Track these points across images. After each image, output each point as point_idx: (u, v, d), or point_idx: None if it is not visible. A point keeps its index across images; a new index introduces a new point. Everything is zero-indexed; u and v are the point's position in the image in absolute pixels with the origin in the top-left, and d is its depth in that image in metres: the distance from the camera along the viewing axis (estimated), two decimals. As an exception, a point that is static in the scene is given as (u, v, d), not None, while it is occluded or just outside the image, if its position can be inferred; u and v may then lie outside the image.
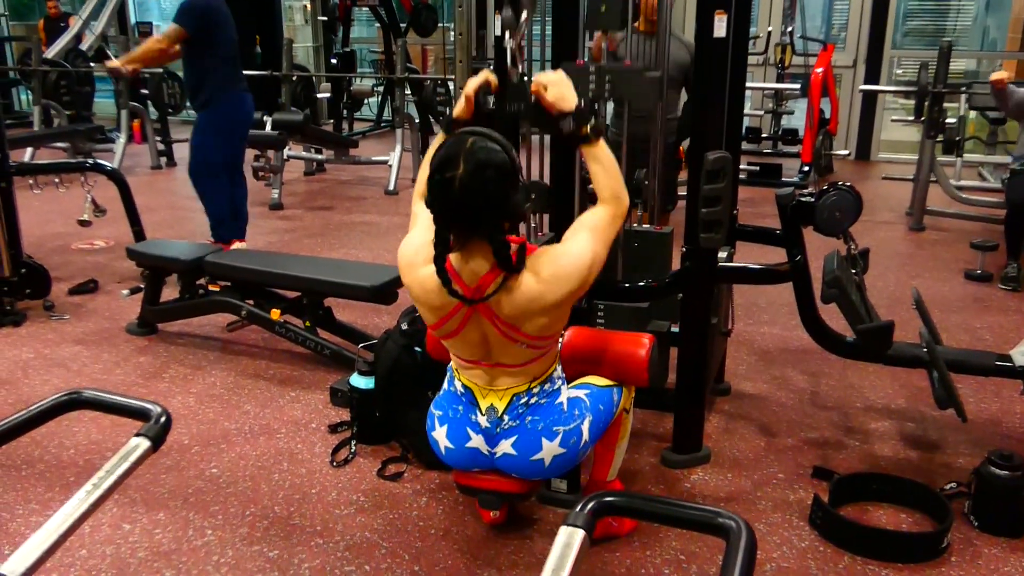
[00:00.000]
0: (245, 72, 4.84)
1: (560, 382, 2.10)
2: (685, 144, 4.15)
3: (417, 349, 2.74)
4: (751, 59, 6.88)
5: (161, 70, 7.87)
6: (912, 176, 5.96)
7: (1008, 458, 2.34)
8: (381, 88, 9.94)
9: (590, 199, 2.17)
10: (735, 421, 3.04)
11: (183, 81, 5.55)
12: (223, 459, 2.78)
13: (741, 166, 4.64)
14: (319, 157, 7.87)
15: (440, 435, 2.12)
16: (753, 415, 3.08)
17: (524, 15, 2.39)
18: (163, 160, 8.16)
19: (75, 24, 9.08)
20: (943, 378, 2.56)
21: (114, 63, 4.88)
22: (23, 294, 4.07)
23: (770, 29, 8.17)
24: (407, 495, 2.56)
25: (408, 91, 7.55)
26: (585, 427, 2.08)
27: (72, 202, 5.42)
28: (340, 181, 7.78)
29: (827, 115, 7.41)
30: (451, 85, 7.43)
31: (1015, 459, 2.34)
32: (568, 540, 1.18)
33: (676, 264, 2.67)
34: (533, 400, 2.04)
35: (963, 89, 6.16)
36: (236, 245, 4.67)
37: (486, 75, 2.11)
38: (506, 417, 2.04)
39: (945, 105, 5.65)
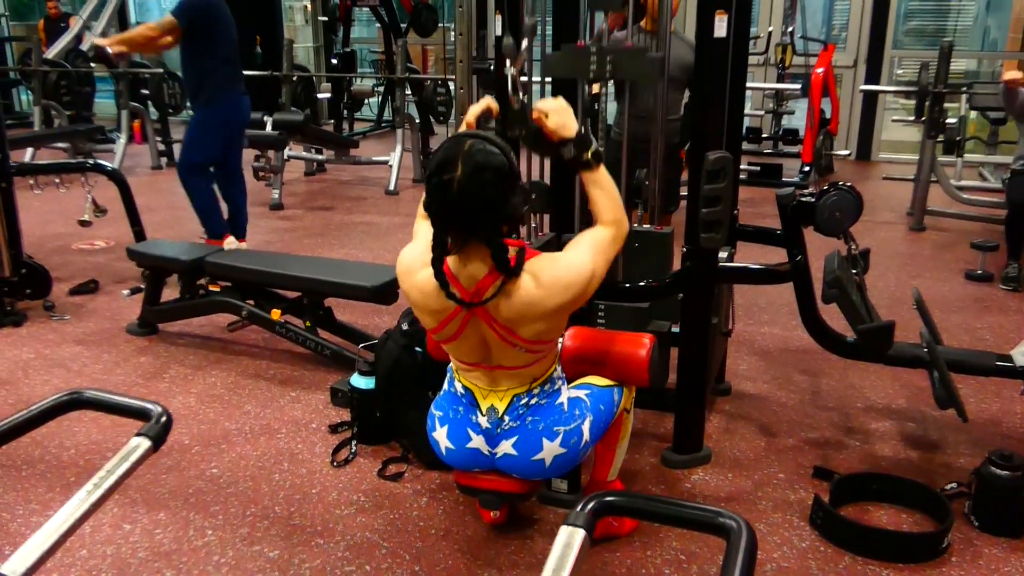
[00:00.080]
0: (245, 72, 4.84)
1: (560, 382, 2.10)
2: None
3: (417, 349, 2.74)
4: (752, 59, 6.89)
5: (161, 70, 7.89)
6: (913, 176, 5.96)
7: (1008, 458, 2.33)
8: (381, 88, 9.93)
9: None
10: (736, 421, 3.04)
11: (183, 81, 5.54)
12: (223, 459, 2.78)
13: (742, 166, 4.64)
14: (319, 157, 7.87)
15: (441, 436, 2.12)
16: (754, 415, 3.08)
17: (524, 43, 2.37)
18: (163, 160, 8.16)
19: (75, 24, 9.08)
20: (944, 378, 2.56)
21: (101, 40, 4.86)
22: (23, 294, 4.07)
23: (771, 29, 8.16)
24: (407, 495, 2.56)
25: (408, 91, 7.54)
26: (586, 427, 2.08)
27: (72, 202, 5.43)
28: (340, 181, 7.78)
29: (828, 115, 7.41)
30: (451, 85, 7.43)
31: (1015, 459, 2.34)
32: (568, 540, 1.18)
33: (677, 264, 2.67)
34: (533, 401, 2.04)
35: (964, 89, 6.16)
36: (237, 245, 4.66)
37: (487, 102, 2.11)
38: (507, 418, 2.04)
39: (946, 105, 5.65)
